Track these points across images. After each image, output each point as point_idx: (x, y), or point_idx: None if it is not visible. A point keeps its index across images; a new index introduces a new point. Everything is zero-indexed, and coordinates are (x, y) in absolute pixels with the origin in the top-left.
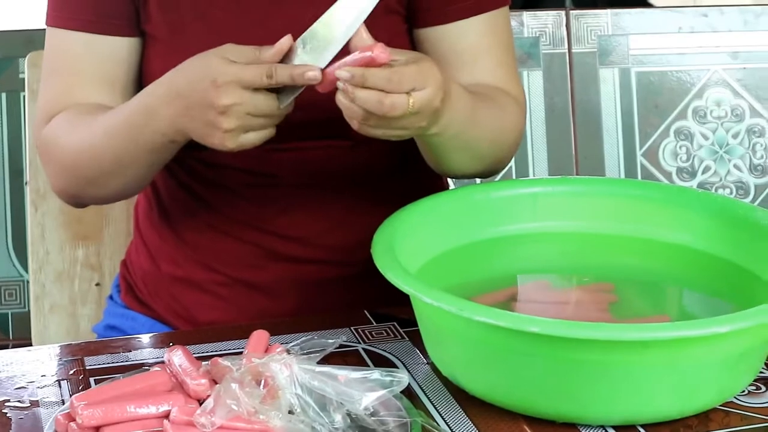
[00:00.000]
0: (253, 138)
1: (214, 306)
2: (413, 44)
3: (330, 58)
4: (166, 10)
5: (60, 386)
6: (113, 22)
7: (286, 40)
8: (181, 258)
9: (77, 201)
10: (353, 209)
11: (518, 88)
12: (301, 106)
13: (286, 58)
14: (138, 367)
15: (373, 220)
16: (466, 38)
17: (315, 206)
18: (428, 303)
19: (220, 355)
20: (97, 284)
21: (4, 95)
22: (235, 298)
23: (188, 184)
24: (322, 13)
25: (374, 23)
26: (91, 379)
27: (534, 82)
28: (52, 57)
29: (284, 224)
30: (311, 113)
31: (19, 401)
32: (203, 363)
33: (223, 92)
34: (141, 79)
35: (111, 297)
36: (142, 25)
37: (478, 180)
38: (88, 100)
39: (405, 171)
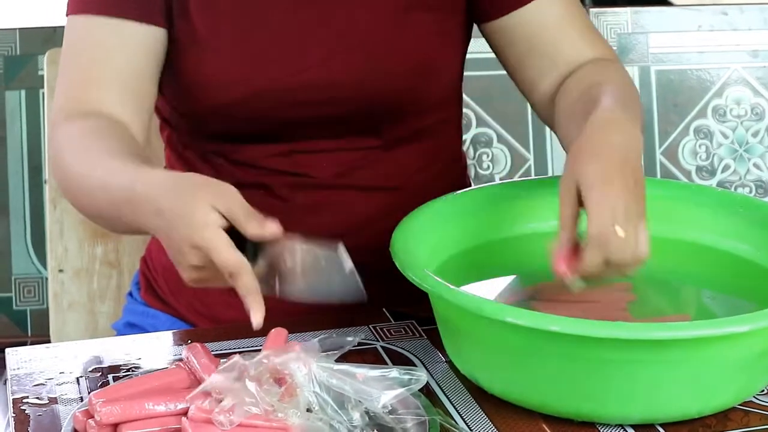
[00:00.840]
0: (212, 285)
1: (235, 304)
2: (464, 37)
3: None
4: (205, 8)
5: (78, 383)
6: (140, 8)
7: (274, 229)
8: None
9: None
10: (381, 210)
11: (607, 46)
12: (328, 102)
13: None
14: (156, 364)
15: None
16: (546, 15)
17: (343, 207)
18: (447, 301)
19: (239, 353)
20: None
21: (23, 92)
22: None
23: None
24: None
25: (420, 17)
26: (110, 376)
27: None
28: (72, 46)
29: (311, 224)
30: (340, 108)
31: (37, 398)
32: (221, 360)
33: (195, 257)
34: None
35: (130, 294)
36: (175, 20)
37: (497, 178)
38: (107, 101)
39: (435, 172)
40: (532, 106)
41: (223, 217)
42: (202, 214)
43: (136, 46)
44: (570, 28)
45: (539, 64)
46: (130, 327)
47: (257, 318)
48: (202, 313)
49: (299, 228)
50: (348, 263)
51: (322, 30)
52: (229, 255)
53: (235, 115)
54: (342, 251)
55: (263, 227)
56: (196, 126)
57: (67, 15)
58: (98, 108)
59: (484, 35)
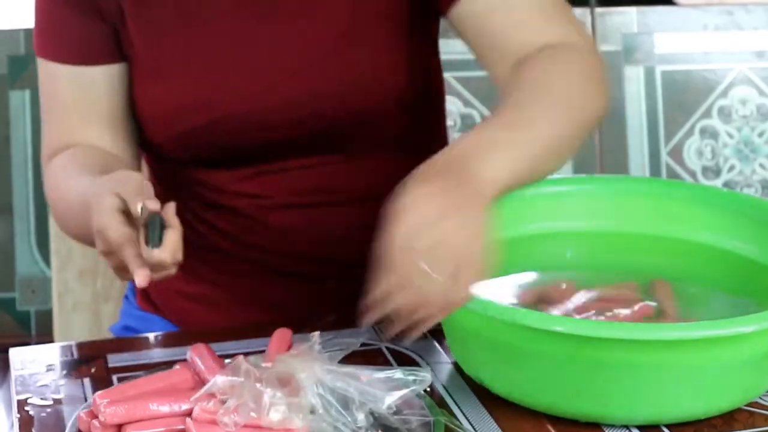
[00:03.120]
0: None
1: (223, 318)
2: (425, 47)
3: None
4: (150, 39)
5: (83, 384)
6: (95, 50)
7: (154, 204)
8: (189, 273)
9: None
10: (359, 223)
11: (576, 33)
12: (285, 124)
13: None
14: (161, 365)
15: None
16: (488, 2)
17: (319, 224)
18: None
19: (243, 354)
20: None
21: (27, 93)
22: (247, 315)
23: (191, 205)
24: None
25: (366, 31)
26: (114, 377)
27: None
28: (44, 91)
29: (293, 244)
30: (297, 129)
31: (41, 398)
32: (226, 361)
33: (99, 242)
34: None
35: (127, 297)
36: (127, 53)
37: None
38: (85, 139)
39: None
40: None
41: (122, 202)
42: (102, 199)
43: (105, 87)
44: (519, 14)
45: (490, 53)
46: (127, 331)
47: (140, 279)
48: (191, 325)
49: (282, 249)
50: None
51: (273, 52)
52: (114, 229)
53: (193, 143)
54: None
55: (144, 202)
56: (158, 152)
57: (36, 54)
58: (80, 142)
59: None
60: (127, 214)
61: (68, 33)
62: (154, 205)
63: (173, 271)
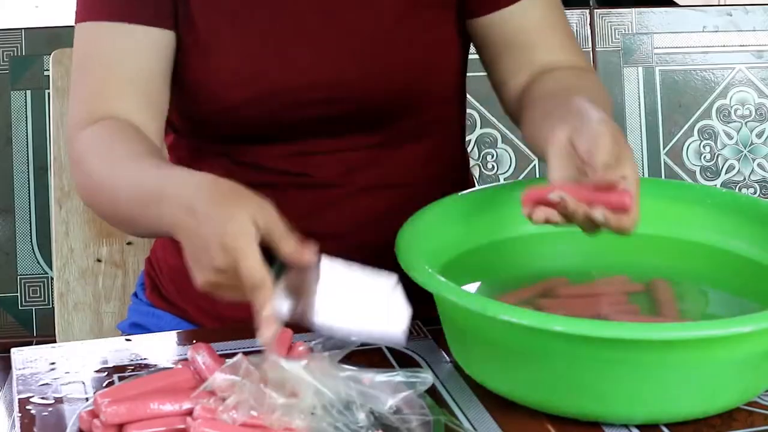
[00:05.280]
0: (224, 293)
1: (240, 303)
2: (463, 36)
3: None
4: (208, 11)
5: (84, 383)
6: (150, 12)
7: (310, 254)
8: None
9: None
10: (385, 209)
11: (584, 58)
12: (330, 101)
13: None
14: (161, 364)
15: (404, 221)
16: (528, 17)
17: (346, 206)
18: (452, 301)
19: (243, 353)
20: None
21: (29, 93)
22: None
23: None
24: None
25: (421, 15)
26: (115, 376)
27: None
28: (84, 53)
29: (315, 223)
30: (341, 107)
31: (43, 398)
32: (227, 360)
33: (222, 259)
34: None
35: (135, 295)
36: (180, 23)
37: (502, 179)
38: (120, 110)
39: (437, 171)
40: (501, 102)
41: (259, 232)
42: (241, 222)
43: (148, 51)
44: (549, 33)
45: (514, 62)
46: (135, 327)
47: (266, 335)
48: (208, 312)
49: (299, 227)
50: (399, 299)
51: (324, 31)
52: (257, 266)
53: (239, 117)
54: (394, 284)
55: (299, 249)
56: (201, 128)
57: (76, 23)
58: (115, 114)
59: (467, 30)
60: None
61: None
62: (311, 255)
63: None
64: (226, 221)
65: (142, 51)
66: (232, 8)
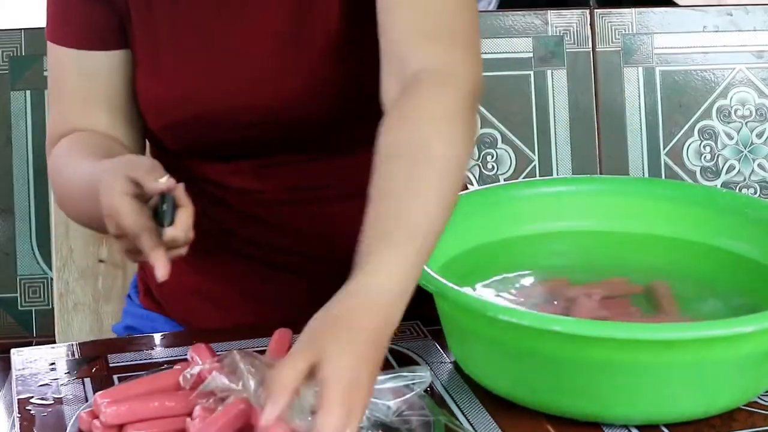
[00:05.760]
0: (140, 258)
1: (231, 308)
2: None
3: None
4: (146, 34)
5: (83, 384)
6: (101, 36)
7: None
8: (192, 268)
9: None
10: (355, 218)
11: (455, 51)
12: (267, 123)
13: None
14: (161, 364)
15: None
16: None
17: (315, 219)
18: (452, 301)
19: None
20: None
21: (28, 93)
22: (248, 311)
23: (197, 201)
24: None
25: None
26: (115, 377)
27: (558, 81)
28: (50, 75)
29: (293, 239)
30: (276, 129)
31: (42, 398)
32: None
33: (112, 227)
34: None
35: (129, 297)
36: (128, 39)
37: (502, 179)
38: (88, 124)
39: None
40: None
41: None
42: (112, 181)
43: (110, 71)
44: (414, 25)
45: (384, 66)
46: (129, 330)
47: (161, 271)
48: (200, 315)
49: (282, 242)
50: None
51: (255, 53)
52: (128, 219)
53: (183, 134)
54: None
55: (158, 180)
56: (155, 142)
57: (46, 38)
58: (89, 129)
59: None
60: (137, 196)
61: (75, 18)
62: (169, 181)
63: (184, 251)
64: (104, 187)
65: (102, 73)
66: (169, 35)
